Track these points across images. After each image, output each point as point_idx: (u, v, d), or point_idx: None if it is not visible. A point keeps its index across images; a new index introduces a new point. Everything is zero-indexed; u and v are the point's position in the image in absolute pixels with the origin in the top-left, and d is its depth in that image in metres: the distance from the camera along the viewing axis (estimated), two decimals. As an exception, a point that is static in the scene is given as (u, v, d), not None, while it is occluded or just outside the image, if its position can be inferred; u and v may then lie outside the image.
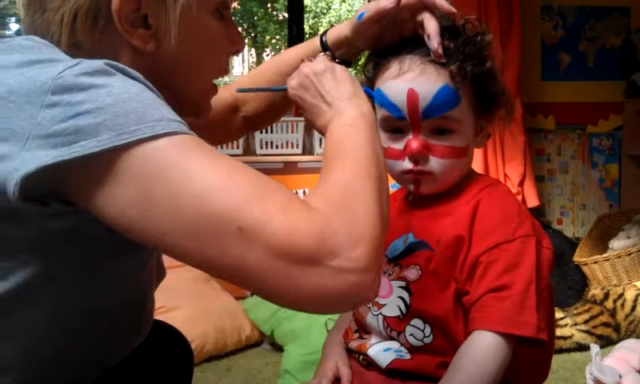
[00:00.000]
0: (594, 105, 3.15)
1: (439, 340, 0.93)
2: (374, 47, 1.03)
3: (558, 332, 2.28)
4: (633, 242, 2.68)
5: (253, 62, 11.86)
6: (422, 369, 0.93)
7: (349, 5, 9.42)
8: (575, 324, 2.35)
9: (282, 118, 2.74)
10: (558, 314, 2.33)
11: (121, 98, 0.62)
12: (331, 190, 0.67)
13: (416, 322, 0.94)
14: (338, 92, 0.84)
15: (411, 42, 0.96)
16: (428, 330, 0.93)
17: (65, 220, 0.68)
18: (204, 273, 2.60)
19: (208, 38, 0.82)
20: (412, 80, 0.93)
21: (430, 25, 0.93)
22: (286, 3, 3.12)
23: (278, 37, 8.98)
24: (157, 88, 0.76)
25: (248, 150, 2.76)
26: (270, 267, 0.59)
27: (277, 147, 2.72)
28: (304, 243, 0.59)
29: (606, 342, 2.27)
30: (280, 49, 8.87)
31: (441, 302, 0.93)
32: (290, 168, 2.65)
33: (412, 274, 0.96)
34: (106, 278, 0.78)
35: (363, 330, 1.04)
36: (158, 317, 1.01)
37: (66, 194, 0.65)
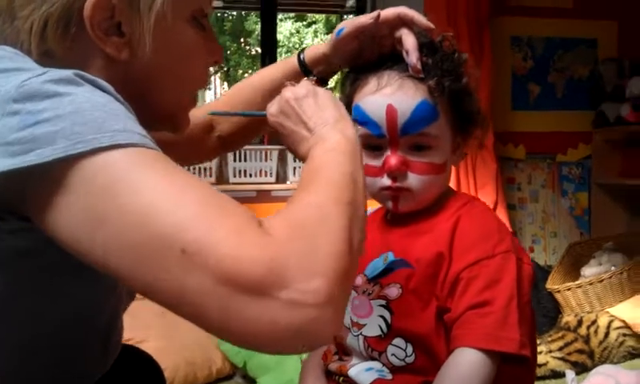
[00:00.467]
0: (563, 134, 3.21)
1: (421, 359, 0.91)
2: (352, 64, 1.02)
3: (534, 359, 2.27)
4: (604, 268, 2.71)
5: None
6: None
7: (321, 40, 9.53)
8: (550, 351, 2.34)
9: (256, 146, 2.76)
10: (533, 342, 2.32)
11: (82, 107, 0.59)
12: (294, 213, 0.61)
13: (398, 341, 0.92)
14: (321, 118, 0.80)
15: (390, 59, 0.96)
16: (410, 349, 0.91)
17: (22, 239, 0.64)
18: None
19: (184, 47, 0.79)
20: (390, 95, 0.92)
21: (409, 40, 0.92)
22: (259, 38, 3.13)
23: (250, 71, 9.04)
24: (131, 98, 0.73)
25: (221, 178, 2.73)
26: (214, 295, 0.53)
27: (250, 176, 2.69)
28: (251, 270, 0.53)
29: (581, 369, 2.27)
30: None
31: (422, 320, 0.91)
32: (263, 196, 2.62)
33: (392, 292, 0.94)
34: (69, 303, 0.74)
35: (343, 351, 1.01)
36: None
37: (22, 208, 0.61)
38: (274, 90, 0.98)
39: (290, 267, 0.54)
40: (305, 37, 9.80)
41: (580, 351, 2.36)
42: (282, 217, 0.60)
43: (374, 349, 0.94)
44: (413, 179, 0.94)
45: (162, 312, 2.32)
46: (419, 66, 0.92)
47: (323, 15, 8.33)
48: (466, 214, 0.95)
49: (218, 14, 10.17)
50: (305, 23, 9.54)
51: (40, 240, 0.62)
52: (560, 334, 2.46)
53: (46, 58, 0.69)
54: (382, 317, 0.94)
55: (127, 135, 0.59)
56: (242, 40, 9.16)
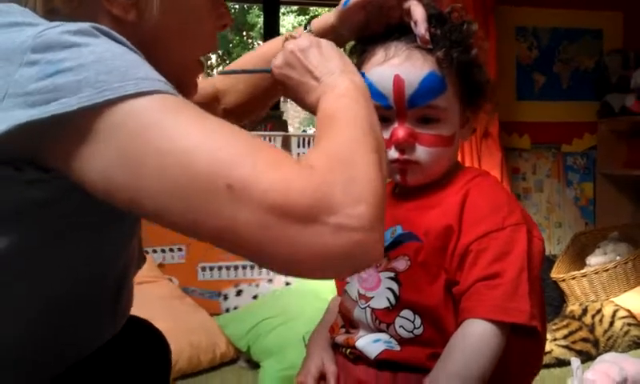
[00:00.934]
0: (568, 124, 3.20)
1: (429, 331, 0.90)
2: (359, 36, 1.01)
3: (538, 348, 2.26)
4: (609, 258, 2.70)
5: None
6: (413, 360, 0.90)
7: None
8: (554, 339, 2.34)
9: (260, 133, 2.74)
10: (537, 330, 2.32)
11: (104, 56, 0.60)
12: (328, 148, 0.64)
13: (406, 313, 0.92)
14: (327, 67, 0.80)
15: (397, 30, 0.95)
16: (418, 320, 0.91)
17: (40, 189, 0.64)
18: (177, 289, 2.55)
19: (192, 9, 0.79)
20: (398, 66, 0.92)
21: (417, 11, 0.92)
22: (262, 31, 3.12)
23: (253, 64, 9.00)
24: None
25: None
26: (263, 226, 0.55)
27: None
28: (299, 200, 0.56)
29: (586, 358, 2.26)
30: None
31: (431, 293, 0.91)
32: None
33: (401, 264, 0.94)
34: (83, 258, 0.73)
35: (350, 324, 1.01)
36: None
37: (42, 158, 0.61)
38: None
39: (336, 194, 0.57)
40: (308, 31, 9.77)
41: (585, 340, 2.35)
42: (317, 151, 0.63)
43: (382, 321, 0.93)
44: (421, 152, 0.94)
45: (165, 297, 2.33)
46: (427, 37, 0.91)
47: (326, 8, 8.32)
48: (475, 187, 0.94)
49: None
50: (307, 16, 9.53)
51: (59, 190, 0.63)
52: (565, 323, 2.45)
53: (53, 16, 0.68)
54: (390, 289, 0.93)
55: (151, 83, 0.60)
56: (244, 33, 9.14)
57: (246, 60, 1.13)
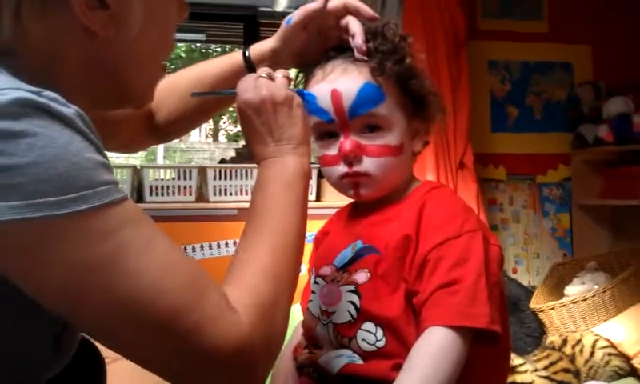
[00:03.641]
0: (542, 156, 3.23)
1: (392, 343, 0.89)
2: (298, 62, 1.03)
3: (519, 378, 2.24)
4: (587, 287, 2.69)
5: (210, 128, 11.90)
6: (376, 373, 0.89)
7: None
8: (535, 370, 2.31)
9: (236, 165, 2.74)
10: (518, 360, 2.29)
11: (44, 156, 0.55)
12: (254, 287, 0.70)
13: (367, 325, 0.91)
14: (288, 132, 0.83)
15: (333, 50, 0.98)
16: (380, 333, 0.90)
17: None
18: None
19: (168, 17, 0.77)
20: (334, 80, 0.94)
21: (354, 25, 0.95)
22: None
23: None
24: (103, 78, 0.72)
25: (201, 198, 2.70)
26: (191, 373, 0.63)
27: (230, 194, 2.67)
28: (229, 359, 0.64)
29: (567, 388, 2.24)
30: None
31: (391, 304, 0.90)
32: (244, 215, 2.51)
33: (361, 277, 0.93)
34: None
35: (313, 344, 1.00)
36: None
37: None
38: (215, 87, 1.02)
39: (257, 354, 0.67)
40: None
41: (566, 370, 2.32)
42: (246, 288, 0.70)
43: (344, 335, 0.92)
44: (369, 163, 0.94)
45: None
46: (364, 48, 0.93)
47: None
48: (431, 199, 0.95)
49: (202, 50, 10.27)
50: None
51: None
52: (545, 354, 2.43)
53: (18, 39, 0.65)
54: (351, 302, 0.92)
55: (91, 194, 0.58)
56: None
57: (174, 82, 1.09)
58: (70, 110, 0.59)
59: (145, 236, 0.62)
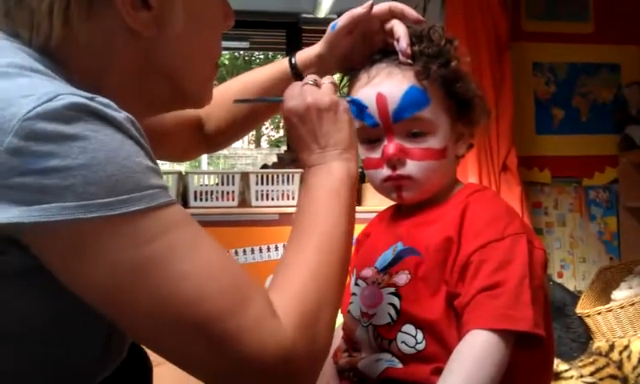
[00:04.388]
0: (589, 158, 3.16)
1: (432, 346, 0.89)
2: (343, 66, 1.04)
3: (564, 384, 2.20)
4: (635, 292, 2.63)
5: (252, 134, 12.00)
6: (416, 377, 0.89)
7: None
8: (581, 376, 2.27)
9: (278, 169, 2.78)
10: (563, 366, 2.26)
11: (95, 159, 0.56)
12: (297, 299, 0.70)
13: (407, 327, 0.91)
14: (333, 138, 0.84)
15: (378, 53, 0.98)
16: (420, 335, 0.90)
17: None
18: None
19: (210, 16, 0.79)
20: (379, 84, 0.94)
21: (399, 28, 0.95)
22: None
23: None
24: (158, 79, 0.74)
25: (243, 203, 2.74)
26: (233, 379, 0.64)
27: (272, 199, 2.70)
28: (270, 367, 0.63)
29: (614, 395, 2.19)
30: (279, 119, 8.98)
31: (432, 306, 0.90)
32: (285, 219, 2.60)
33: (401, 279, 0.94)
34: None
35: (352, 347, 1.00)
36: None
37: (25, 244, 0.59)
38: (263, 95, 1.04)
39: (300, 361, 0.66)
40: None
41: (613, 376, 2.28)
42: (290, 295, 0.69)
43: (384, 337, 0.92)
44: (412, 166, 0.95)
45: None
46: (409, 51, 0.93)
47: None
48: (474, 201, 0.95)
49: (246, 57, 10.38)
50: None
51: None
52: (591, 360, 2.38)
53: (67, 44, 0.66)
54: (391, 304, 0.93)
55: (139, 196, 0.59)
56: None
57: (222, 92, 1.09)
58: (121, 115, 0.61)
59: (191, 239, 0.63)
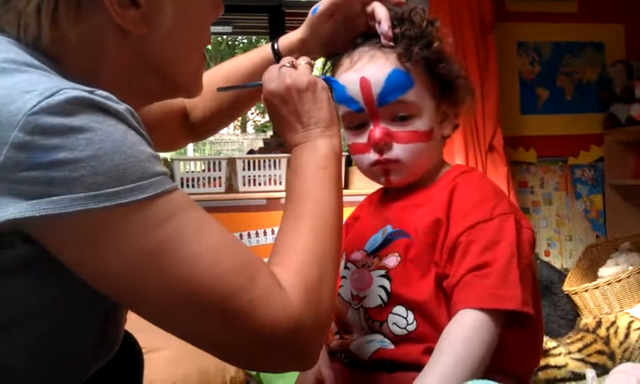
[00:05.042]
0: (574, 137, 3.19)
1: (423, 327, 0.90)
2: (326, 51, 1.03)
3: (552, 361, 2.23)
4: (622, 268, 2.66)
5: (238, 120, 11.96)
6: (407, 357, 0.89)
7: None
8: (569, 352, 2.29)
9: (265, 154, 2.77)
10: (551, 343, 2.29)
11: (102, 150, 0.57)
12: (301, 267, 0.72)
13: (398, 309, 0.91)
14: (315, 117, 0.85)
15: (359, 37, 0.98)
16: (411, 316, 0.90)
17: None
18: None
19: (199, 11, 0.79)
20: (362, 68, 0.94)
21: (380, 11, 0.95)
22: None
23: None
24: (149, 73, 0.74)
25: (230, 189, 2.73)
26: (248, 352, 0.67)
27: (259, 184, 2.70)
28: (282, 338, 0.66)
29: (602, 371, 2.21)
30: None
31: (422, 288, 0.90)
32: (273, 204, 2.61)
33: (391, 261, 0.94)
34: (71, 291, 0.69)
35: (343, 329, 1.01)
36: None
37: (32, 236, 0.59)
38: (247, 81, 1.03)
39: (308, 330, 0.69)
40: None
41: (600, 352, 2.31)
42: (293, 266, 0.72)
43: (375, 319, 0.93)
44: (399, 149, 0.95)
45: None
46: (391, 34, 0.93)
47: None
48: (462, 182, 0.95)
49: (229, 41, 10.32)
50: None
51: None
52: (579, 336, 2.41)
53: (58, 44, 0.66)
54: (381, 286, 0.93)
55: (146, 184, 0.60)
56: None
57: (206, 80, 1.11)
58: (122, 107, 0.62)
59: (197, 222, 0.65)
